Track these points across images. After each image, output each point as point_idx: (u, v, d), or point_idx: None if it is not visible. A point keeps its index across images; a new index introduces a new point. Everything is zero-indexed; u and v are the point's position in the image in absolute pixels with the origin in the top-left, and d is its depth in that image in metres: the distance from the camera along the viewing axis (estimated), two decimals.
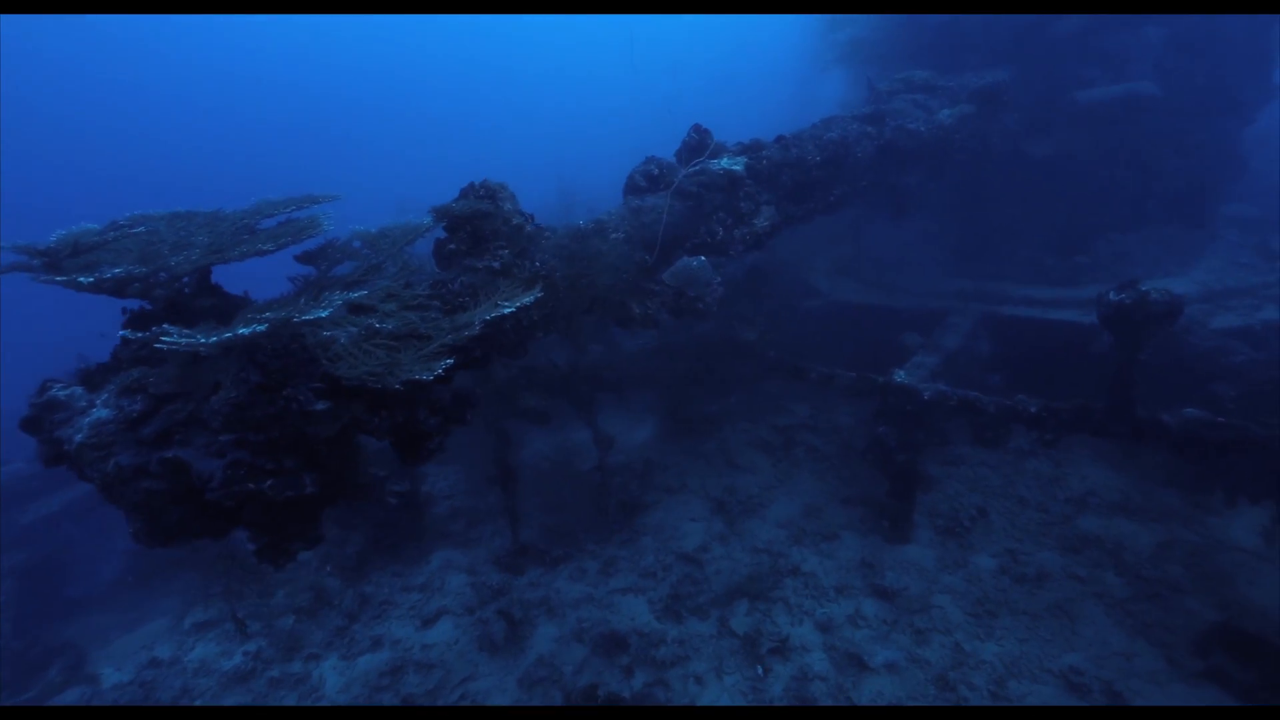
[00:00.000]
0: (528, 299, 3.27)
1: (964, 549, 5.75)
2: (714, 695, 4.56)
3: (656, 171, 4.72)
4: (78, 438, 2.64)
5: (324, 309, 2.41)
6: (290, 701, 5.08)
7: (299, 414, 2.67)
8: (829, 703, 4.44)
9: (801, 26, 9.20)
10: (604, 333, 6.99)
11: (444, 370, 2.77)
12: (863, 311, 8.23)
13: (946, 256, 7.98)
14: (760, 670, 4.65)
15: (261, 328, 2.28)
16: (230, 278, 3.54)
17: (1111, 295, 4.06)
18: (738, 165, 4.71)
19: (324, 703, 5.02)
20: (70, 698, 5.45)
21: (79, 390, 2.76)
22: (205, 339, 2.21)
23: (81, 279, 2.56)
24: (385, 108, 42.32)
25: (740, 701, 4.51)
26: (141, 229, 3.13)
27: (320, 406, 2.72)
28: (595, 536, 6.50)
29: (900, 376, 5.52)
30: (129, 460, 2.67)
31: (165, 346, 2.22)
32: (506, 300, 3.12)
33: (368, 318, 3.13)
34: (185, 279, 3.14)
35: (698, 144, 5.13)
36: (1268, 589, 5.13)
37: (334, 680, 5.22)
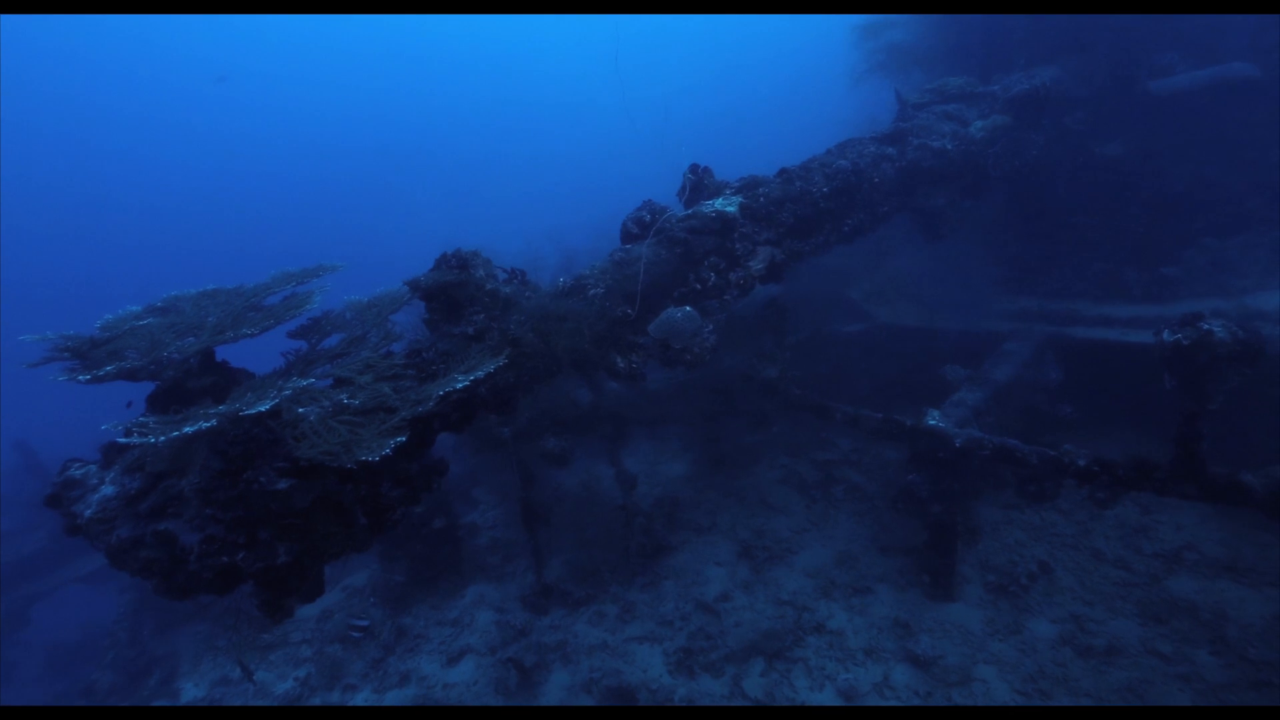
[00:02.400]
0: (490, 367, 3.31)
1: (1019, 611, 5.09)
2: None
3: (649, 217, 4.64)
4: (87, 513, 2.99)
5: (267, 401, 2.57)
6: None
7: (261, 494, 2.86)
8: None
9: (842, 32, 8.75)
10: None
11: (391, 450, 2.86)
12: (909, 335, 7.62)
13: (1005, 273, 7.20)
14: None
15: (208, 424, 2.47)
16: (244, 349, 3.89)
17: (1166, 334, 3.45)
18: (731, 206, 4.54)
19: None
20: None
21: (93, 469, 3.12)
22: (157, 438, 2.42)
23: (81, 376, 2.90)
24: (429, 151, 44.80)
25: None
26: (148, 321, 3.49)
27: (283, 485, 2.90)
28: (619, 577, 6.43)
29: (933, 418, 5.02)
30: (128, 533, 2.97)
31: (124, 443, 2.46)
32: (463, 374, 3.18)
33: (342, 391, 3.32)
34: (192, 359, 3.49)
35: (695, 184, 5.01)
36: None
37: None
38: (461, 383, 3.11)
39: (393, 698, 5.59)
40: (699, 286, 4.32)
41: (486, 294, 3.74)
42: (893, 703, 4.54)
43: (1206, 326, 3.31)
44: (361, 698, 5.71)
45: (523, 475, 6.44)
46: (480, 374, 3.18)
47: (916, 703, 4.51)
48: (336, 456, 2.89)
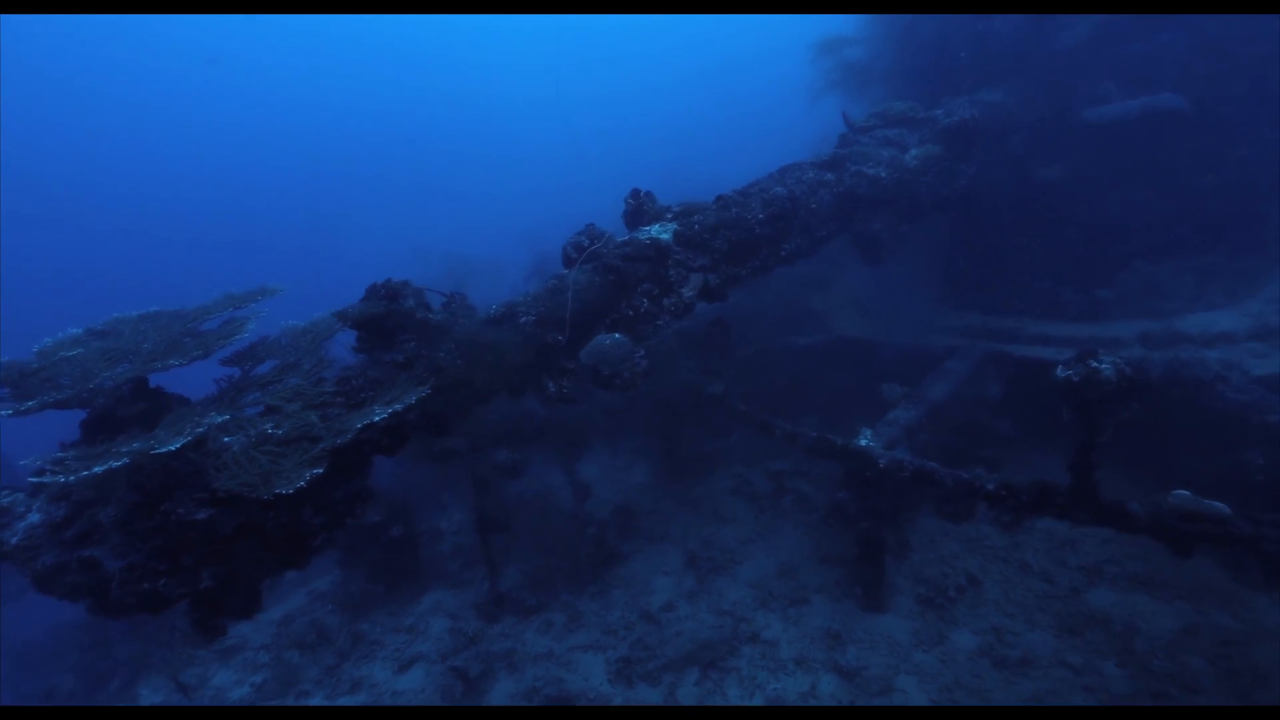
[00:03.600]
0: (410, 399, 3.44)
1: (944, 623, 5.30)
2: None
3: (587, 243, 4.77)
4: (13, 540, 3.10)
5: (174, 443, 2.69)
6: None
7: (181, 523, 2.98)
8: None
9: (799, 49, 8.89)
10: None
11: (306, 483, 2.98)
12: (864, 348, 7.81)
13: (953, 290, 7.39)
14: None
15: (118, 463, 2.59)
16: (185, 371, 3.98)
17: (1061, 370, 3.63)
18: (666, 234, 4.68)
19: None
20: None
21: (20, 496, 3.23)
22: (70, 477, 2.54)
23: (2, 411, 3.00)
24: (407, 146, 44.14)
25: None
26: (78, 351, 3.58)
27: (202, 515, 3.03)
28: (571, 585, 6.60)
29: (865, 438, 5.21)
30: (53, 559, 3.09)
31: (38, 480, 2.58)
32: (383, 406, 3.30)
33: (268, 421, 3.44)
34: (124, 387, 3.59)
35: (635, 209, 5.14)
36: None
37: None
38: (379, 415, 3.24)
39: (344, 705, 5.73)
40: (631, 313, 4.46)
41: (417, 323, 3.86)
42: None
43: (1095, 364, 3.50)
44: (315, 704, 5.85)
45: (477, 486, 6.58)
46: (399, 406, 3.30)
47: None
48: (255, 488, 3.01)
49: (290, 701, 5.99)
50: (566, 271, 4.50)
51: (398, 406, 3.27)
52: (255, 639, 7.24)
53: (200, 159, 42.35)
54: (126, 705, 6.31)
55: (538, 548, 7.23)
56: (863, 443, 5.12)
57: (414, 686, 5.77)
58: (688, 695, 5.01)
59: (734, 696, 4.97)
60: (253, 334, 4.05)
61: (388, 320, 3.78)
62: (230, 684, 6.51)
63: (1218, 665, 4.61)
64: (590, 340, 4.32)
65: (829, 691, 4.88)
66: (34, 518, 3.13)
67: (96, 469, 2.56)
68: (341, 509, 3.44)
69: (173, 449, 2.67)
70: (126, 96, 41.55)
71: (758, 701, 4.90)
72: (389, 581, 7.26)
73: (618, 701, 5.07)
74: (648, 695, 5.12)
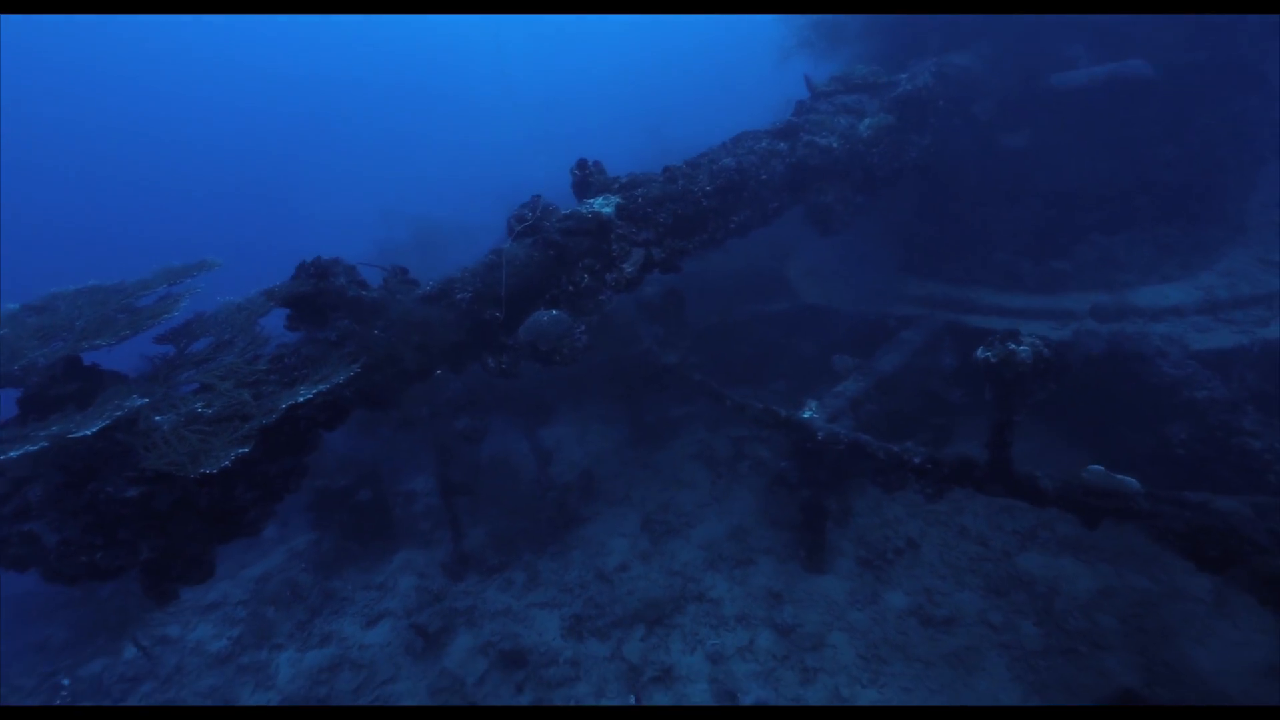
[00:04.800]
0: (339, 379, 3.50)
1: (880, 583, 5.58)
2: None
3: (530, 216, 4.72)
4: None
5: (91, 427, 2.76)
6: (249, 688, 5.90)
7: (111, 501, 3.09)
8: None
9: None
10: None
11: (230, 463, 3.08)
12: (830, 316, 7.86)
13: (916, 258, 7.37)
14: (633, 699, 4.85)
15: (35, 447, 2.67)
16: (123, 347, 4.02)
17: (981, 351, 3.70)
18: (609, 207, 4.63)
19: (274, 691, 5.80)
20: (94, 666, 6.60)
21: None
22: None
23: None
24: (369, 114, 41.96)
25: None
26: (4, 331, 3.60)
27: (132, 493, 3.13)
28: (533, 547, 6.85)
29: (810, 410, 5.33)
30: None
31: None
32: (309, 386, 3.37)
33: (198, 400, 3.50)
34: (57, 365, 3.64)
35: (582, 180, 5.06)
36: (1213, 649, 4.65)
37: (285, 671, 5.99)
38: (305, 395, 3.31)
39: (313, 657, 6.06)
40: (571, 289, 4.47)
41: (349, 301, 3.87)
42: (751, 664, 5.04)
43: (1013, 346, 3.56)
44: (286, 656, 6.18)
45: (439, 452, 6.74)
46: (324, 387, 3.37)
47: (772, 664, 5.02)
48: (182, 467, 3.11)
49: (264, 654, 6.31)
50: (503, 246, 4.48)
51: (323, 387, 3.34)
52: (234, 594, 7.54)
53: (166, 122, 40.46)
54: (108, 660, 6.63)
55: (503, 510, 7.46)
56: (806, 415, 5.24)
57: (380, 640, 6.08)
58: (633, 650, 5.31)
59: (676, 651, 5.27)
60: (187, 311, 4.07)
61: (318, 298, 3.80)
62: (209, 637, 6.83)
63: (1128, 624, 4.90)
64: (529, 316, 4.35)
65: (766, 646, 5.18)
66: None
67: (12, 454, 2.64)
68: (276, 484, 3.56)
69: (89, 433, 2.74)
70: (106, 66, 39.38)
71: (698, 656, 5.20)
72: (362, 541, 7.52)
73: (567, 655, 5.38)
74: (596, 649, 5.42)
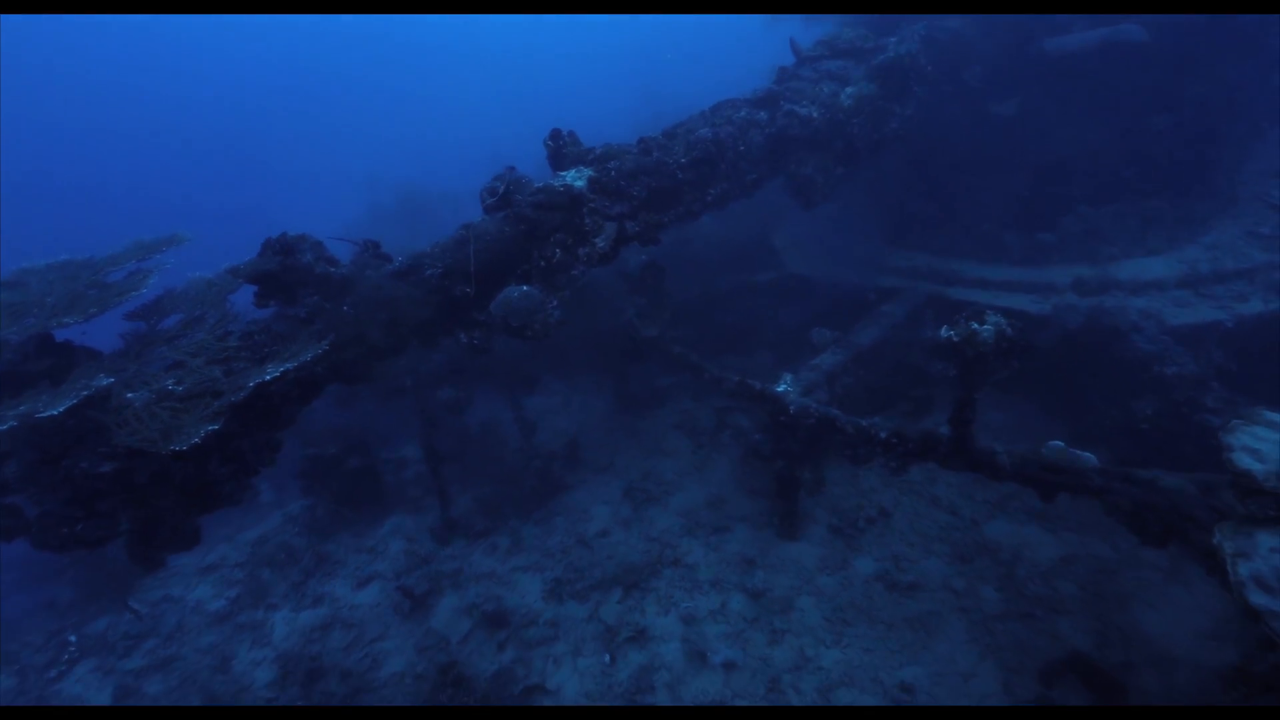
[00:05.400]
0: (305, 357, 3.55)
1: (851, 550, 5.76)
2: (565, 675, 5.09)
3: (502, 188, 4.67)
4: None
5: (58, 407, 2.83)
6: (246, 645, 6.19)
7: (87, 476, 3.19)
8: (665, 693, 4.84)
9: None
10: None
11: (201, 439, 3.16)
12: (815, 286, 7.84)
13: (903, 228, 7.29)
14: (607, 658, 5.09)
15: (4, 426, 2.75)
16: (97, 322, 4.06)
17: (944, 330, 3.73)
18: (581, 180, 4.58)
19: (270, 648, 6.08)
20: (99, 625, 6.91)
21: None
22: None
23: None
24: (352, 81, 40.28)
25: (588, 684, 5.01)
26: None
27: (107, 468, 3.23)
28: (518, 513, 7.05)
29: (785, 383, 5.39)
30: None
31: None
32: (275, 365, 3.42)
33: (169, 377, 3.57)
34: (29, 343, 3.69)
35: (555, 152, 4.99)
36: (1164, 613, 4.84)
37: (281, 630, 6.27)
38: (271, 374, 3.37)
39: (307, 616, 6.33)
40: (543, 264, 4.47)
41: (316, 278, 3.89)
42: (722, 626, 5.26)
43: (975, 326, 3.58)
44: (281, 615, 6.46)
45: (424, 421, 6.85)
46: (290, 365, 3.42)
47: (741, 626, 5.24)
48: (154, 444, 3.20)
49: (260, 614, 6.59)
50: (474, 221, 4.46)
51: (289, 365, 3.39)
52: (232, 556, 7.80)
53: (148, 88, 39.12)
54: (112, 618, 6.93)
55: (490, 477, 7.64)
56: (780, 388, 5.31)
57: (370, 601, 6.34)
58: (610, 612, 5.53)
59: (651, 613, 5.49)
60: (158, 286, 4.09)
61: (284, 276, 3.81)
62: (209, 597, 7.12)
63: (1086, 590, 5.08)
64: (501, 291, 4.37)
65: (737, 609, 5.39)
66: None
67: None
68: (250, 458, 3.66)
69: (55, 413, 2.82)
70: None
71: (672, 618, 5.42)
72: (354, 506, 7.73)
73: (546, 616, 5.61)
74: (575, 611, 5.65)
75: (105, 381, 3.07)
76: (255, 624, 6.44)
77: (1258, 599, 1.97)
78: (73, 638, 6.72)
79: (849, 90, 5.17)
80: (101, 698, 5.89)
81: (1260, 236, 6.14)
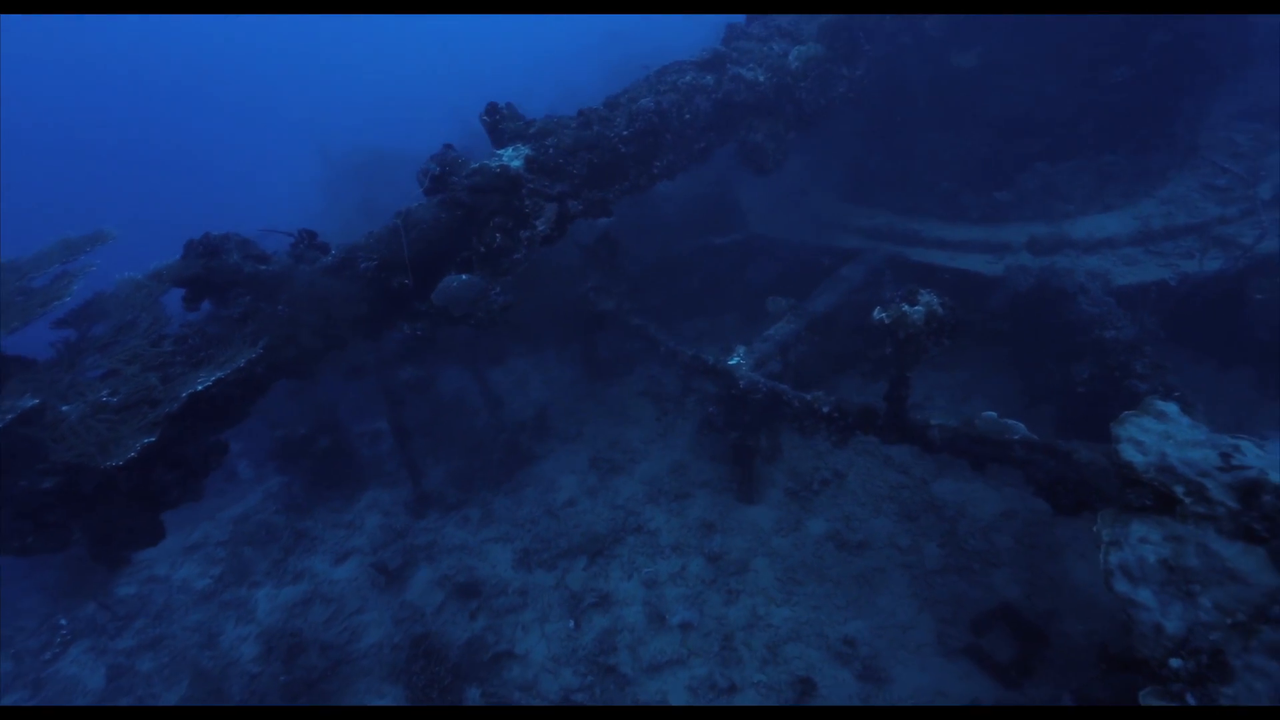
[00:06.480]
0: (240, 362, 3.54)
1: (805, 512, 6.00)
2: (533, 641, 5.39)
3: (439, 170, 4.53)
4: None
5: None
6: (231, 621, 6.45)
7: (28, 492, 3.24)
8: (626, 654, 5.15)
9: None
10: None
11: (138, 452, 3.19)
12: (779, 247, 7.77)
13: (864, 188, 7.16)
14: (572, 624, 5.38)
15: None
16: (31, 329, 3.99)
17: (877, 312, 3.76)
18: (518, 160, 4.44)
19: (254, 624, 6.34)
20: (89, 608, 7.14)
21: None
22: None
23: None
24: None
25: (555, 648, 5.30)
26: None
27: (48, 484, 3.27)
28: (489, 484, 7.22)
29: (737, 356, 5.44)
30: None
31: None
32: (209, 371, 3.41)
33: (104, 387, 3.56)
34: None
35: (492, 127, 4.81)
36: (1093, 562, 5.12)
37: (264, 606, 6.52)
38: (203, 383, 3.36)
39: (288, 592, 6.57)
40: (483, 250, 4.39)
41: (246, 277, 3.82)
42: (681, 589, 5.54)
43: (905, 309, 3.62)
44: (264, 593, 6.70)
45: (389, 398, 6.90)
46: (225, 372, 3.41)
47: (700, 588, 5.51)
48: (91, 458, 3.23)
49: (244, 591, 6.83)
50: (410, 208, 4.34)
51: (221, 374, 3.38)
52: (215, 535, 8.00)
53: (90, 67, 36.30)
54: (99, 600, 7.15)
55: (462, 449, 7.77)
56: (732, 361, 5.37)
57: (348, 575, 6.58)
58: (575, 579, 5.80)
59: (615, 579, 5.76)
60: (87, 289, 4.01)
61: (213, 277, 3.73)
62: (194, 575, 7.35)
63: (1021, 542, 5.36)
64: (441, 280, 4.31)
65: (696, 572, 5.66)
66: None
67: None
68: (196, 464, 3.70)
69: None
70: None
71: (634, 582, 5.69)
72: (329, 483, 7.87)
73: (515, 585, 5.87)
74: (543, 579, 5.91)
75: (29, 403, 3.05)
76: (239, 601, 6.69)
77: (1121, 587, 2.12)
78: (64, 620, 6.96)
79: (797, 49, 4.94)
80: (96, 677, 6.18)
81: (1216, 189, 6.12)
